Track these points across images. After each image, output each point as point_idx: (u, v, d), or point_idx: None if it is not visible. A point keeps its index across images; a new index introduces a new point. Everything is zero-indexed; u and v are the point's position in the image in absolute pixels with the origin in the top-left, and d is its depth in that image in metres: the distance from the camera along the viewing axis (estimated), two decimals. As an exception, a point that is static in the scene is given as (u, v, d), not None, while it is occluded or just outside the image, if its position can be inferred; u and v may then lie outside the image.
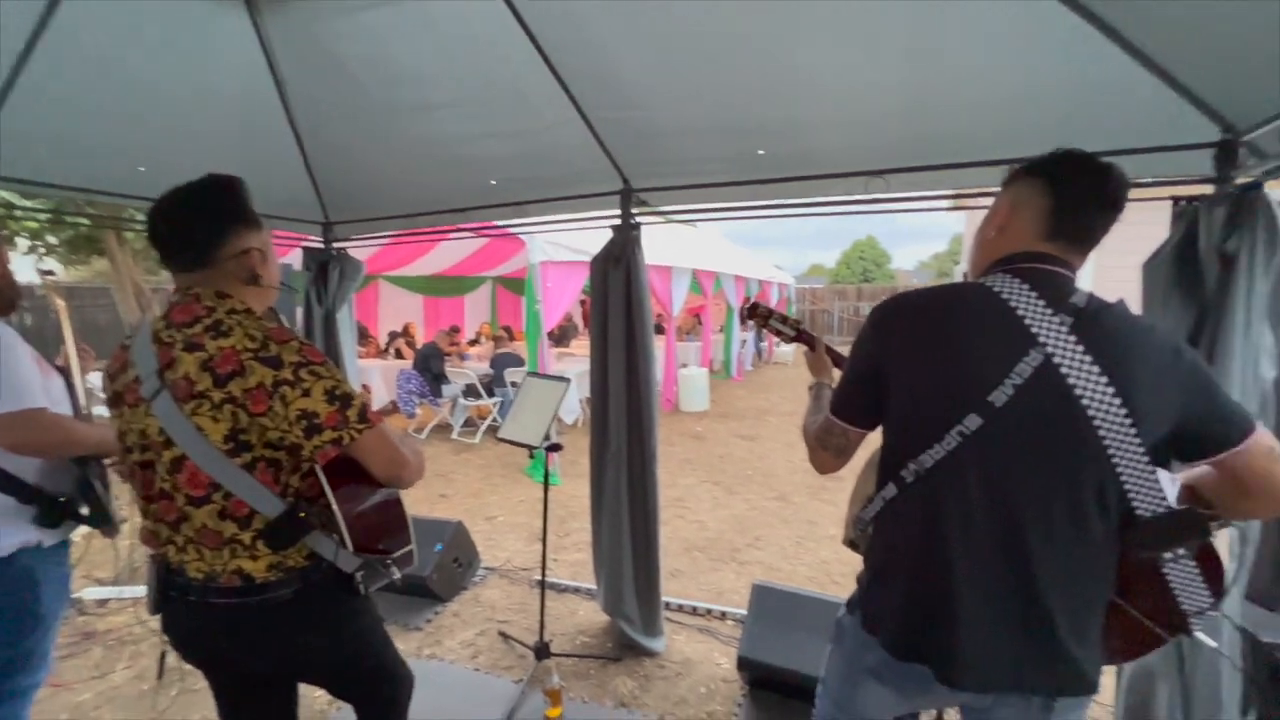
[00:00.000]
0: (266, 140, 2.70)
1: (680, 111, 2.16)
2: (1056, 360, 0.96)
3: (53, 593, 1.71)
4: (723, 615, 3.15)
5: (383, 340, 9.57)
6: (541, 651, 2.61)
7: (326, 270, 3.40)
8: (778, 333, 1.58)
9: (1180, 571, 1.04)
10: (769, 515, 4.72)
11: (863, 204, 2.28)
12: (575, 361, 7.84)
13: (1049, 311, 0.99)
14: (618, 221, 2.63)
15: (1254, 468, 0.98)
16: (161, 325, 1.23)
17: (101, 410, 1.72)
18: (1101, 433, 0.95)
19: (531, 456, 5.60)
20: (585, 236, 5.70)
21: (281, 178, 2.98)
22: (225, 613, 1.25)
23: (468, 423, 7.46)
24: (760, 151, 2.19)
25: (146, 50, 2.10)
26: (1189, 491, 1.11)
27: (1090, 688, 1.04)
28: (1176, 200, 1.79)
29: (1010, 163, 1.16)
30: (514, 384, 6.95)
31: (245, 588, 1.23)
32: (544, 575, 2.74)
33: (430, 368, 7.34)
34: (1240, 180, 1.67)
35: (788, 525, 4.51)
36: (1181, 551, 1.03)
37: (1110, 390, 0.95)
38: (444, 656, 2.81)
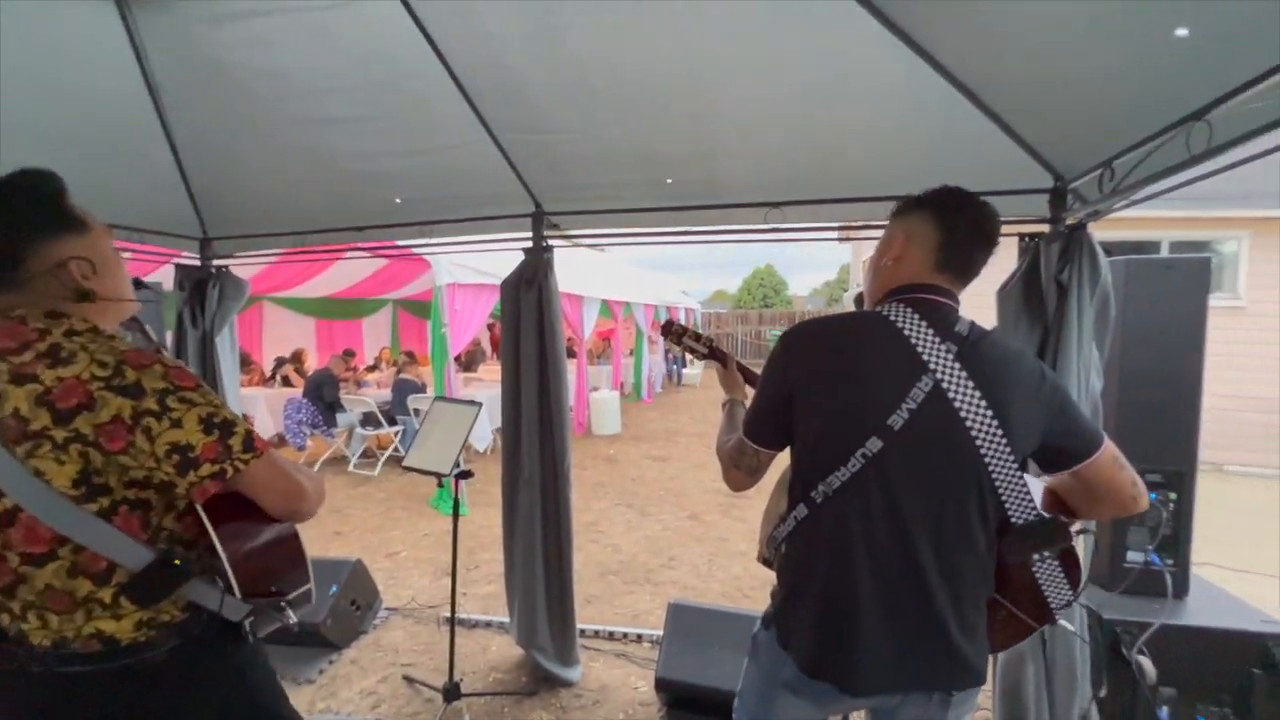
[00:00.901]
0: (135, 147, 2.45)
1: (591, 137, 2.22)
2: (944, 385, 1.06)
3: None
4: (639, 638, 3.14)
5: (268, 367, 8.81)
6: (451, 693, 2.47)
7: (204, 289, 3.11)
8: (691, 350, 1.63)
9: (1047, 570, 1.17)
10: (682, 535, 4.78)
11: (762, 233, 2.44)
12: (484, 387, 7.62)
13: (937, 340, 1.09)
14: (529, 244, 2.63)
15: (1102, 477, 1.12)
16: None
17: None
18: (982, 450, 1.06)
19: (440, 485, 5.34)
20: (494, 259, 5.61)
21: (152, 188, 2.71)
22: (81, 682, 1.07)
23: (366, 454, 7.00)
24: (668, 180, 2.29)
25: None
26: (1050, 494, 1.25)
27: (980, 679, 1.14)
28: (1022, 236, 2.07)
29: (889, 199, 1.29)
30: (417, 411, 6.62)
31: (107, 652, 1.05)
32: (453, 611, 2.60)
33: (323, 395, 6.84)
34: (1069, 221, 1.96)
35: (700, 544, 4.59)
36: (1047, 553, 1.16)
37: (989, 412, 1.06)
38: (340, 709, 2.58)
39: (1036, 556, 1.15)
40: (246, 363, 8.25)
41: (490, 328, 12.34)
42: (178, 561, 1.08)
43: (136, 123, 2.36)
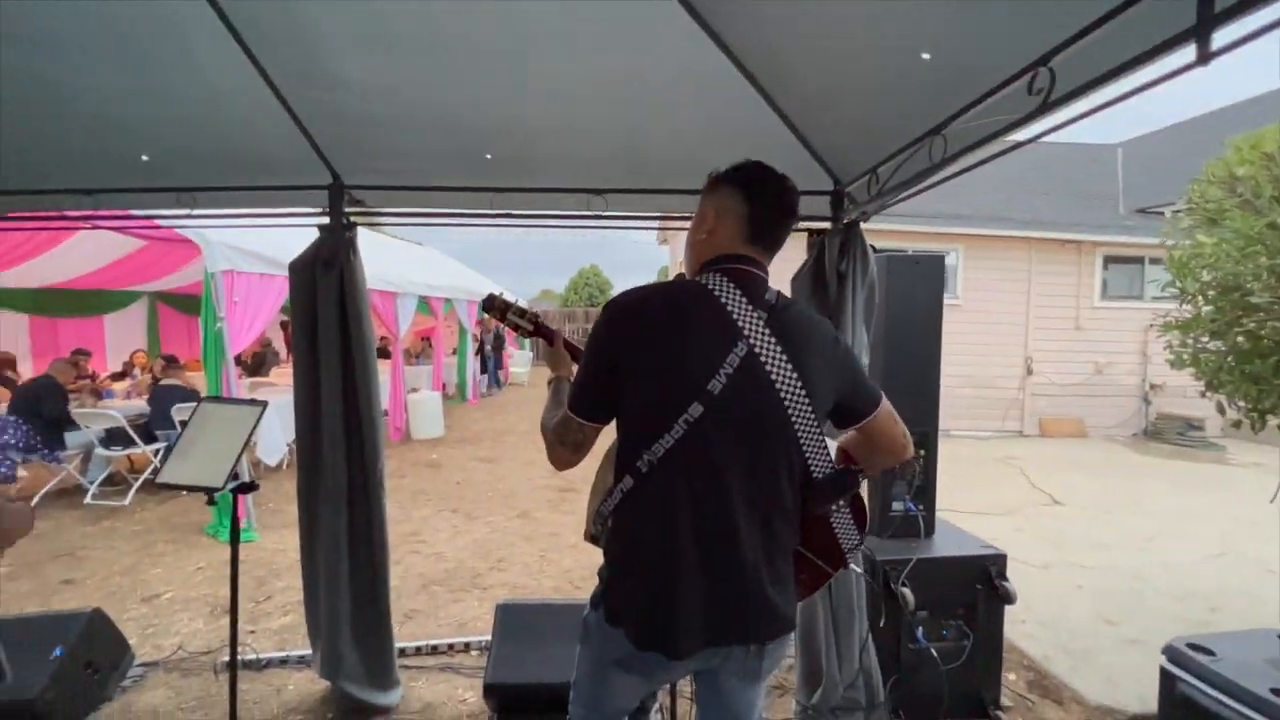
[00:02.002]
0: None
1: (398, 98, 2.01)
2: (757, 350, 1.13)
3: None
4: (466, 647, 2.96)
5: (-49, 378, 6.67)
6: (233, 748, 2.08)
7: None
8: (516, 327, 1.56)
9: (841, 519, 1.31)
10: (511, 535, 4.64)
11: (583, 219, 2.44)
12: (277, 393, 6.59)
13: (750, 308, 1.16)
14: (326, 221, 2.31)
15: (882, 430, 1.28)
16: None
17: None
18: (790, 412, 1.15)
19: (212, 503, 4.50)
20: (283, 245, 4.88)
21: None
22: None
23: (112, 480, 5.65)
24: (488, 155, 2.17)
25: None
26: (842, 453, 1.39)
27: (791, 626, 1.23)
28: (810, 232, 2.35)
29: (699, 193, 1.34)
30: (184, 424, 5.52)
31: None
32: (234, 652, 2.19)
33: (42, 411, 5.37)
34: (846, 220, 2.27)
35: (530, 541, 4.49)
36: (842, 503, 1.29)
37: (795, 376, 1.14)
38: (70, 800, 2.03)
39: (834, 507, 1.28)
40: (-89, 372, 6.18)
41: (284, 325, 10.77)
42: None
43: None
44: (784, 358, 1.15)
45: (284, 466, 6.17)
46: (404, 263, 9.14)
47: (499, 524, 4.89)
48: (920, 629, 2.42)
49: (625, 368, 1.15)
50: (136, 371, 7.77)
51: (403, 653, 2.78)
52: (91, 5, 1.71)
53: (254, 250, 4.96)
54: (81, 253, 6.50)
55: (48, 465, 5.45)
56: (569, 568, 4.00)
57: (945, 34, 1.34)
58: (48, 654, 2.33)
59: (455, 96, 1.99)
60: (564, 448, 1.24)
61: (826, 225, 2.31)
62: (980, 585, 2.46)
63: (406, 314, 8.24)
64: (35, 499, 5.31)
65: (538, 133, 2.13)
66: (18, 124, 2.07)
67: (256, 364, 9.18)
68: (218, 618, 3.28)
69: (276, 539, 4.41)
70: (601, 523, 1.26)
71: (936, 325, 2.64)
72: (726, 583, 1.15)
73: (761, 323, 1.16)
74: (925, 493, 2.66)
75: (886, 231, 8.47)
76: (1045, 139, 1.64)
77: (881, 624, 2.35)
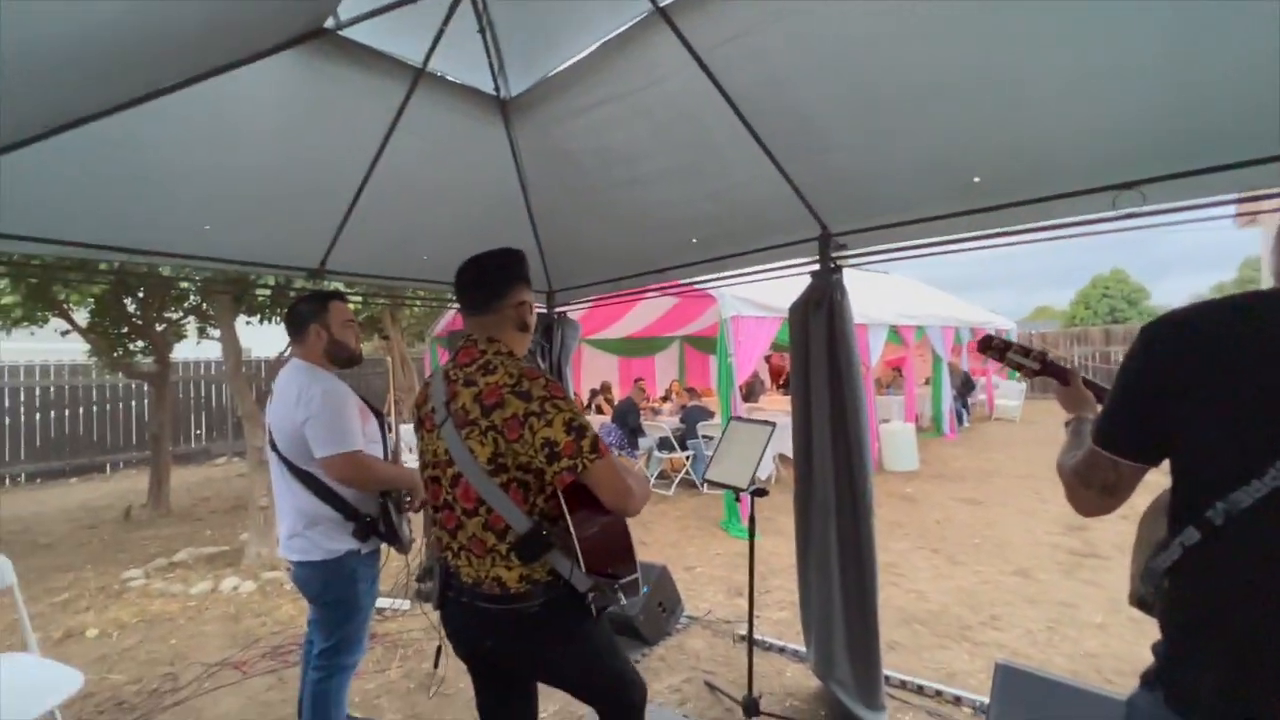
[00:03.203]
0: (509, 224, 3.27)
1: (881, 149, 2.15)
2: None
3: (366, 589, 2.15)
4: (957, 700, 2.74)
5: (584, 398, 10.48)
6: (750, 708, 2.53)
7: (550, 332, 3.92)
8: (1018, 366, 1.43)
9: None
10: (1007, 592, 4.04)
11: (1111, 223, 1.99)
12: (768, 416, 7.73)
13: None
14: (815, 268, 2.64)
15: None
16: (450, 366, 1.54)
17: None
18: None
19: (738, 499, 5.59)
20: (772, 291, 5.74)
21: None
22: (486, 616, 1.45)
23: (662, 475, 7.72)
24: (976, 179, 2.06)
25: (433, 163, 2.73)
26: None
27: None
28: None
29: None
30: (706, 437, 7.07)
31: (501, 595, 1.42)
32: (750, 629, 2.68)
33: (627, 422, 7.82)
34: None
35: (1034, 606, 3.81)
36: None
37: None
38: (652, 699, 2.85)
39: None
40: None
41: (768, 359, 12.51)
42: (545, 532, 1.39)
43: (512, 206, 3.16)
44: None
45: (772, 481, 7.12)
46: (872, 294, 9.31)
47: (989, 576, 4.34)
48: None
49: (1178, 399, 0.93)
50: (673, 396, 10.41)
51: (887, 680, 2.80)
52: (667, 151, 2.50)
53: (751, 298, 6.01)
54: (644, 312, 9.25)
55: (629, 459, 7.88)
56: (1093, 652, 3.20)
57: None
58: (641, 588, 3.38)
59: (936, 136, 2.00)
60: (1089, 490, 1.07)
61: None
62: None
63: (877, 344, 8.35)
64: (624, 483, 7.77)
65: (1037, 141, 1.89)
66: (623, 235, 3.18)
67: (749, 392, 10.91)
68: (732, 596, 4.04)
69: (770, 542, 5.11)
70: (1153, 583, 1.02)
71: None
72: None
73: None
74: None
75: None
76: None
77: None
